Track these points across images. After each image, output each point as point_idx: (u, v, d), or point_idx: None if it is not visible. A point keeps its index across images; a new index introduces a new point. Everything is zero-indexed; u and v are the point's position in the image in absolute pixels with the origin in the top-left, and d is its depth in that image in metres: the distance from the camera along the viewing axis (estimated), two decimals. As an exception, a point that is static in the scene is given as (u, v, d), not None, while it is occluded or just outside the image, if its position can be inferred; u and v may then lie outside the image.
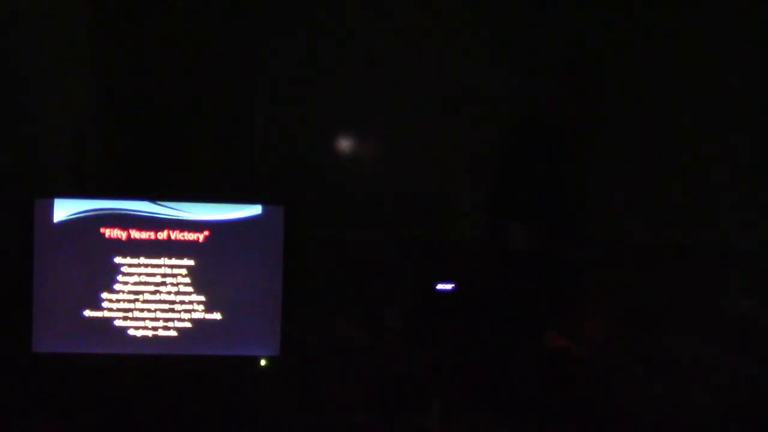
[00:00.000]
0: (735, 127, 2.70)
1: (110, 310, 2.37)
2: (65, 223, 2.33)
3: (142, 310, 2.38)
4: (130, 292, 2.37)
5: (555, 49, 2.85)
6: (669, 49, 2.77)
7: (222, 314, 2.40)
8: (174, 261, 2.38)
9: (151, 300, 2.38)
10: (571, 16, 2.84)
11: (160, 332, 2.39)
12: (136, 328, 2.38)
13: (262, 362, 2.42)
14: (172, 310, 2.39)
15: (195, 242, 2.38)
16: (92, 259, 2.35)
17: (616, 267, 2.72)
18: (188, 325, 2.39)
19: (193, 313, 2.39)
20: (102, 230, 2.35)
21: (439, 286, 2.70)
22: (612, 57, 2.85)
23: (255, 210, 2.40)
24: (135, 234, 2.36)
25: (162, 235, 2.37)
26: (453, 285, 2.70)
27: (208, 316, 2.40)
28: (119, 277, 2.36)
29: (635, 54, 2.83)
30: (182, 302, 2.39)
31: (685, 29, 2.75)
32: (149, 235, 2.37)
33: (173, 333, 2.39)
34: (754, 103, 2.65)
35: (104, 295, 2.36)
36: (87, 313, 2.36)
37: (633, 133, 2.83)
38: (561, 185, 2.85)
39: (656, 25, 2.78)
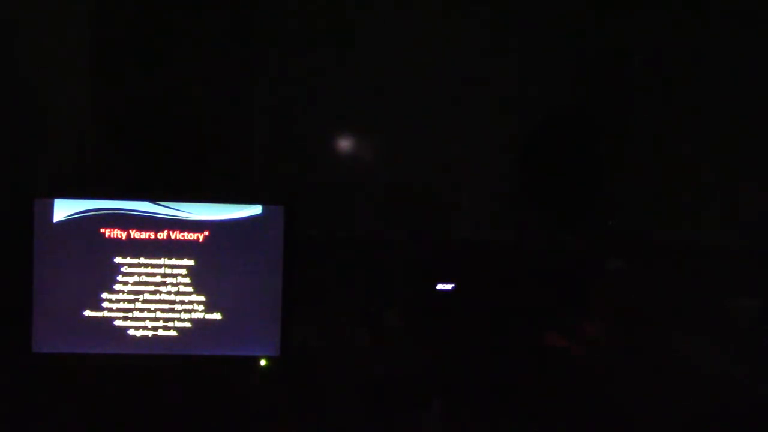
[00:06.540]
0: (749, 130, 2.71)
1: (110, 310, 2.37)
2: (65, 223, 2.33)
3: (142, 310, 2.38)
4: (130, 292, 2.37)
5: (566, 46, 2.84)
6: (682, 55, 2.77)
7: (222, 314, 2.40)
8: (174, 261, 2.38)
9: (151, 300, 2.38)
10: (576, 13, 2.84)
11: (160, 332, 2.39)
12: (136, 328, 2.38)
13: (262, 362, 2.42)
14: (172, 310, 2.39)
15: (195, 242, 2.38)
16: (92, 259, 2.35)
17: (616, 266, 2.72)
18: (188, 325, 2.39)
19: (193, 313, 2.39)
20: (102, 230, 2.35)
21: (439, 286, 2.70)
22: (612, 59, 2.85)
23: (255, 210, 2.40)
24: (135, 234, 2.36)
25: (162, 235, 2.37)
26: (453, 285, 2.69)
27: (208, 316, 2.40)
28: (119, 277, 2.36)
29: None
30: (182, 302, 2.39)
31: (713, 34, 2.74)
32: (149, 235, 2.37)
33: (173, 333, 2.39)
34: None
35: (104, 295, 2.36)
36: (87, 313, 2.36)
37: (633, 134, 2.83)
38: (564, 184, 2.84)
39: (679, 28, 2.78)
